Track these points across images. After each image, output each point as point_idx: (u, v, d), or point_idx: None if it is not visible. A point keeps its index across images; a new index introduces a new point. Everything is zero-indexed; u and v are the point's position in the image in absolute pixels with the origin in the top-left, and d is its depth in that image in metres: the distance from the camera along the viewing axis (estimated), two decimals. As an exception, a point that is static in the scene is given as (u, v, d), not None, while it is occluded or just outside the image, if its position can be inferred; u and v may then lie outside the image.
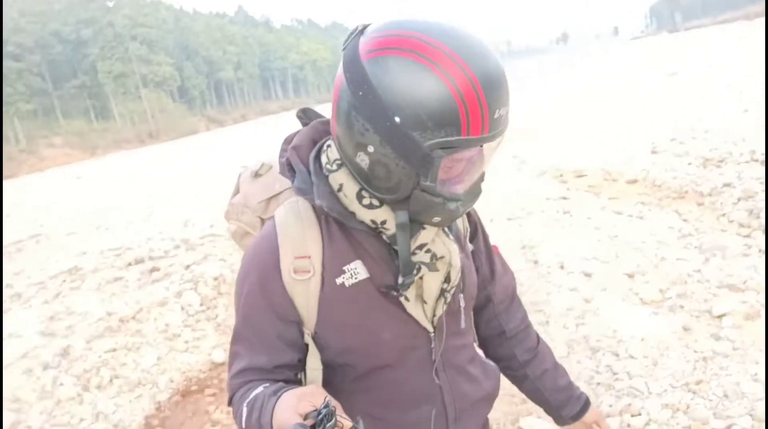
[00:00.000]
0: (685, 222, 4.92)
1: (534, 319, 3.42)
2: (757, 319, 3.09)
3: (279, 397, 0.81)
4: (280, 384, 0.89)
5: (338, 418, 0.73)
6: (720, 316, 3.15)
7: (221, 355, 3.67)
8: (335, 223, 0.97)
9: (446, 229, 1.00)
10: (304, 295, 0.94)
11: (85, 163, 19.72)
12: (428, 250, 0.95)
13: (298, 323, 0.97)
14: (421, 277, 0.96)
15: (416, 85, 0.80)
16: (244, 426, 0.87)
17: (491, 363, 1.19)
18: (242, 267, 1.00)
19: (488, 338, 1.25)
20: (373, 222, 0.93)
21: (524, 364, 1.24)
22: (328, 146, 0.98)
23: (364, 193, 0.92)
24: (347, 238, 0.96)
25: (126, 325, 3.92)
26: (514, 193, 6.59)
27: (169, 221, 7.92)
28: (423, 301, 0.98)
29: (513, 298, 1.26)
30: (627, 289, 3.65)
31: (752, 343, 2.90)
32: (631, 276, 3.83)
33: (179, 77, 55.53)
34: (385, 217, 0.92)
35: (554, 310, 3.52)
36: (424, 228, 0.94)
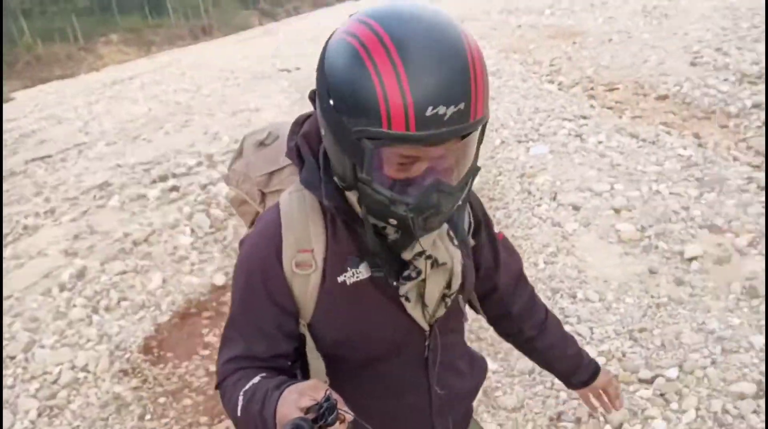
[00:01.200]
0: (699, 147, 4.75)
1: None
2: (726, 264, 3.09)
3: (282, 391, 0.82)
4: (282, 377, 0.90)
5: (340, 411, 0.75)
6: (690, 259, 3.16)
7: (222, 279, 3.97)
8: (341, 220, 0.96)
9: (450, 232, 0.99)
10: (303, 288, 0.95)
11: (139, 62, 20.04)
12: (429, 257, 0.95)
13: (295, 315, 0.98)
14: (423, 280, 0.97)
15: (347, 70, 0.80)
16: (239, 415, 0.89)
17: (479, 356, 1.25)
18: (243, 254, 1.00)
19: (495, 318, 1.29)
20: (375, 225, 0.92)
21: (532, 339, 1.28)
22: None
23: None
24: (351, 235, 0.96)
25: (137, 248, 4.27)
26: (533, 111, 6.42)
27: (200, 132, 8.18)
28: (424, 304, 0.99)
29: (518, 280, 1.26)
30: (609, 226, 3.65)
31: (712, 290, 2.93)
32: (617, 211, 3.81)
33: (230, -32, 53.95)
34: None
35: (531, 247, 3.59)
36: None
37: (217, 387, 1.02)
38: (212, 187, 5.42)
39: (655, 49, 8.16)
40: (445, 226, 0.97)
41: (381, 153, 0.83)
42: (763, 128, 4.82)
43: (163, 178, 5.92)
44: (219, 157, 6.47)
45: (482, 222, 1.14)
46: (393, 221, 0.87)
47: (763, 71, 5.88)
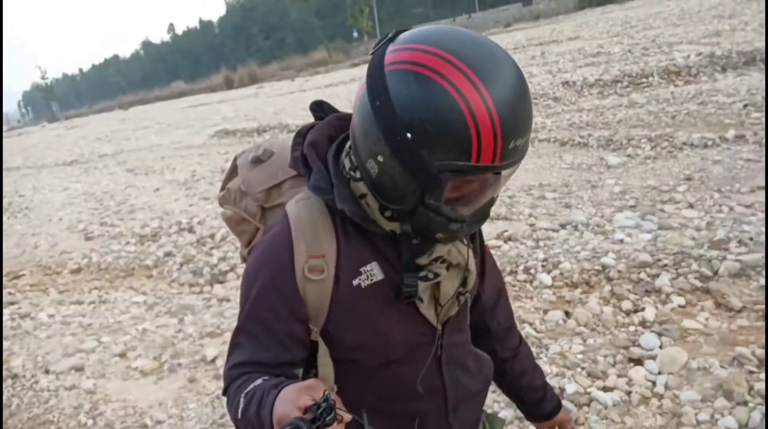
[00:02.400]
0: (145, 295, 5.34)
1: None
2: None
3: (279, 390, 0.81)
4: (281, 378, 0.89)
5: (338, 411, 0.74)
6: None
7: None
8: (352, 224, 0.95)
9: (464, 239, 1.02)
10: (317, 294, 0.95)
11: None
12: (443, 261, 0.99)
13: (306, 322, 0.97)
14: (438, 282, 0.99)
15: (432, 106, 0.79)
16: (240, 417, 0.87)
17: (485, 355, 1.22)
18: (253, 262, 0.98)
19: (473, 332, 1.25)
20: (393, 232, 0.94)
21: (504, 361, 1.27)
22: (352, 149, 0.94)
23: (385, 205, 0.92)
24: (364, 239, 0.96)
25: None
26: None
27: None
28: (438, 303, 1.01)
29: (499, 295, 1.27)
30: (125, 367, 3.78)
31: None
32: (123, 355, 3.97)
33: None
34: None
35: (62, 413, 3.32)
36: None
37: (224, 393, 1.00)
38: None
39: (38, 236, 8.33)
40: None
41: (458, 181, 0.85)
42: (184, 267, 5.86)
43: None
44: None
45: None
46: (440, 236, 0.92)
47: (157, 230, 7.06)
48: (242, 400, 0.89)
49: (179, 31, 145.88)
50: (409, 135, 0.81)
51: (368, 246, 0.98)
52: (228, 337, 4.01)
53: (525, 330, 3.44)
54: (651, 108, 8.31)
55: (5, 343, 4.50)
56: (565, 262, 4.16)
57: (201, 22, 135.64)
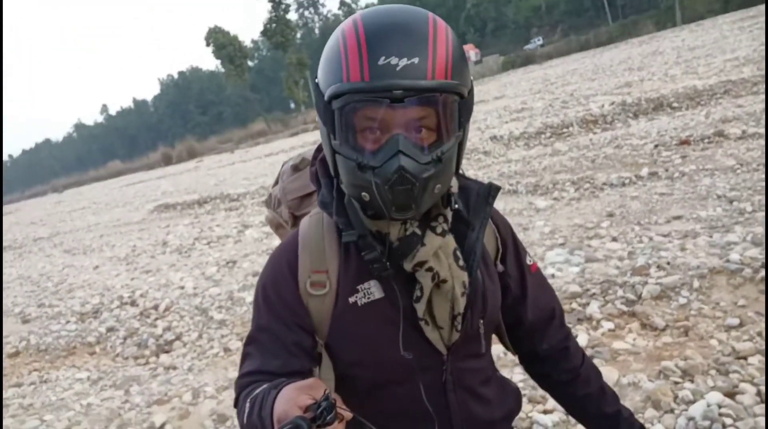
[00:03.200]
0: (88, 371, 5.18)
1: None
2: None
3: (279, 390, 0.81)
4: (281, 379, 0.88)
5: (338, 410, 0.73)
6: None
7: None
8: (355, 241, 0.95)
9: (457, 253, 0.97)
10: (318, 308, 0.97)
11: None
12: (429, 269, 0.94)
13: (312, 333, 0.98)
14: (430, 302, 0.96)
15: (326, 49, 0.89)
16: (245, 422, 0.87)
17: (513, 385, 1.17)
18: (263, 275, 1.02)
19: (523, 356, 1.22)
20: (379, 233, 0.93)
21: (563, 385, 1.19)
22: None
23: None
24: (361, 256, 0.95)
25: None
26: None
27: None
28: (438, 326, 0.98)
29: (551, 317, 1.18)
30: None
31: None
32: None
33: None
34: (389, 228, 0.94)
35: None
36: (423, 244, 0.94)
37: (235, 405, 0.99)
38: None
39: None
40: (454, 244, 0.98)
41: (348, 116, 0.85)
42: (127, 341, 5.74)
43: None
44: None
45: (510, 248, 1.12)
46: (365, 195, 0.87)
47: (99, 306, 6.89)
48: (247, 405, 0.89)
49: (113, 111, 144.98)
50: (317, 80, 0.91)
51: (366, 263, 0.95)
52: (176, 402, 3.99)
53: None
54: (573, 154, 8.91)
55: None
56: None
57: (135, 101, 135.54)
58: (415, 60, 0.82)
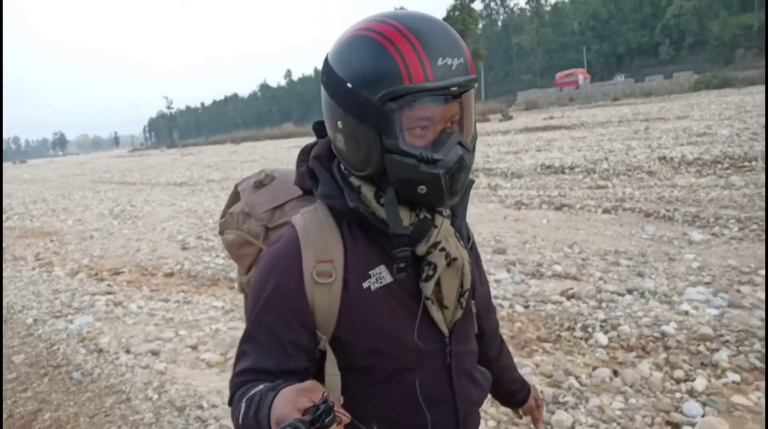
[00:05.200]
0: (224, 302, 5.78)
1: (114, 399, 3.57)
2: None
3: (277, 392, 0.81)
4: (279, 381, 0.88)
5: (337, 413, 0.73)
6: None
7: None
8: (359, 228, 0.99)
9: (458, 234, 1.04)
10: (325, 298, 0.97)
11: None
12: (443, 249, 0.98)
13: (314, 331, 0.98)
14: (438, 283, 1.00)
15: (357, 51, 0.90)
16: (241, 423, 0.87)
17: (484, 369, 1.25)
18: (262, 271, 1.00)
19: None
20: (401, 235, 0.95)
21: (492, 360, 1.32)
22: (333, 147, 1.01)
23: (380, 192, 0.96)
24: (371, 242, 0.99)
25: None
26: (51, 293, 6.28)
27: None
28: (443, 306, 1.02)
29: (490, 302, 1.31)
30: (194, 357, 4.16)
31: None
32: (194, 347, 4.36)
33: None
34: (401, 215, 0.96)
35: (134, 387, 3.72)
36: (435, 226, 0.98)
37: (229, 403, 0.99)
38: None
39: (141, 241, 9.16)
40: (451, 227, 1.02)
41: (405, 115, 0.89)
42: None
43: None
44: None
45: (473, 238, 1.21)
46: (422, 188, 0.91)
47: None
48: (243, 405, 0.88)
49: (295, 77, 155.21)
50: (349, 85, 0.90)
51: (376, 249, 0.99)
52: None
53: (569, 381, 3.48)
54: (747, 191, 8.03)
55: (97, 324, 5.06)
56: (625, 325, 4.15)
57: (315, 70, 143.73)
58: (462, 59, 0.90)
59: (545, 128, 24.30)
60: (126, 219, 11.87)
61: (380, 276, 0.98)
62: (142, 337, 4.64)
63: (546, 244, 6.66)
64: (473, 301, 1.11)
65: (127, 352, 4.35)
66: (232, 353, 4.26)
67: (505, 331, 4.27)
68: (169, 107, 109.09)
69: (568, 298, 4.84)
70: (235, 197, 1.24)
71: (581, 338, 4.14)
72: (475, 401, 1.15)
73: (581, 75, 62.30)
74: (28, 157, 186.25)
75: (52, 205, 16.11)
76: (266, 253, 1.05)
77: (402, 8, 1.10)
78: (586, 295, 4.83)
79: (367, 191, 0.97)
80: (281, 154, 29.90)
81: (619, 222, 7.36)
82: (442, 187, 0.90)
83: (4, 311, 5.75)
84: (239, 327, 4.74)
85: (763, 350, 3.58)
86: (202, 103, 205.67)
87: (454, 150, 0.91)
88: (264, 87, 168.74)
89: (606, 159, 12.17)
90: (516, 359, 3.29)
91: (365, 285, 0.97)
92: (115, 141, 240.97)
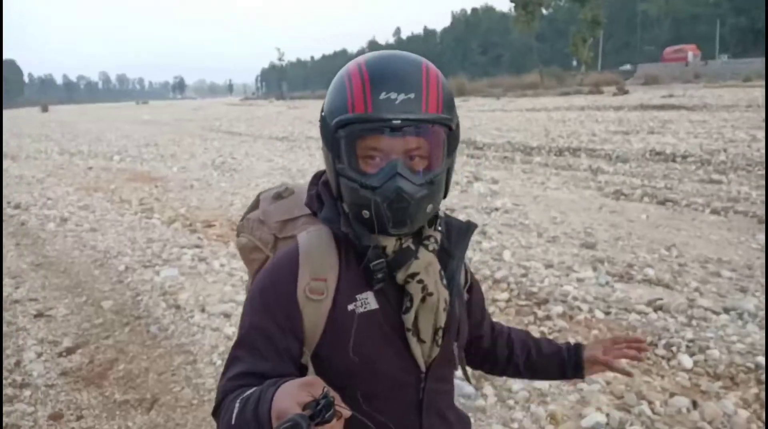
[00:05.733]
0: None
1: (182, 359, 3.72)
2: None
3: (278, 387, 0.82)
4: (276, 378, 0.89)
5: (337, 408, 0.74)
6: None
7: None
8: (353, 255, 1.04)
9: (441, 273, 1.08)
10: (314, 314, 1.01)
11: None
12: (420, 281, 1.03)
13: (302, 341, 1.02)
14: (416, 317, 1.04)
15: (332, 86, 1.03)
16: (233, 421, 0.86)
17: (465, 414, 1.26)
18: (261, 279, 1.06)
19: (472, 361, 1.37)
20: (376, 247, 1.01)
21: (508, 358, 1.35)
22: None
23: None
24: (363, 269, 1.02)
25: None
26: (146, 241, 6.67)
27: None
28: (420, 339, 1.06)
29: (492, 330, 1.37)
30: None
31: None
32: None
33: None
34: (386, 242, 1.02)
35: (201, 349, 3.87)
36: (417, 257, 1.03)
37: (214, 410, 0.99)
38: None
39: (235, 196, 9.52)
40: (437, 265, 1.07)
41: (352, 142, 0.98)
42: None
43: None
44: None
45: (474, 279, 1.27)
46: (366, 213, 0.98)
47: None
48: (237, 405, 0.88)
49: (404, 35, 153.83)
50: (323, 114, 1.03)
51: (366, 276, 1.03)
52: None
53: (640, 407, 3.22)
54: None
55: (180, 278, 5.31)
56: (715, 349, 3.78)
57: (425, 29, 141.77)
58: (411, 95, 0.95)
59: (662, 107, 22.59)
60: (225, 171, 12.39)
61: (366, 301, 1.03)
62: (218, 297, 4.80)
63: (641, 243, 6.19)
64: (455, 343, 1.13)
65: (202, 311, 4.53)
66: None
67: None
68: (280, 59, 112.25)
69: (655, 309, 4.47)
70: (255, 204, 1.30)
71: (663, 357, 3.82)
72: None
73: (691, 52, 60.69)
74: (151, 97, 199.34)
75: (162, 151, 17.15)
76: (268, 263, 1.11)
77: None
78: (675, 309, 4.44)
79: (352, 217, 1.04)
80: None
81: (727, 226, 6.70)
82: (381, 214, 0.97)
83: (101, 255, 6.19)
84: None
85: None
86: (312, 57, 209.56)
87: (391, 180, 0.95)
88: (372, 44, 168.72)
89: (725, 150, 11.14)
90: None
91: (350, 307, 1.02)
92: (229, 88, 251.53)
